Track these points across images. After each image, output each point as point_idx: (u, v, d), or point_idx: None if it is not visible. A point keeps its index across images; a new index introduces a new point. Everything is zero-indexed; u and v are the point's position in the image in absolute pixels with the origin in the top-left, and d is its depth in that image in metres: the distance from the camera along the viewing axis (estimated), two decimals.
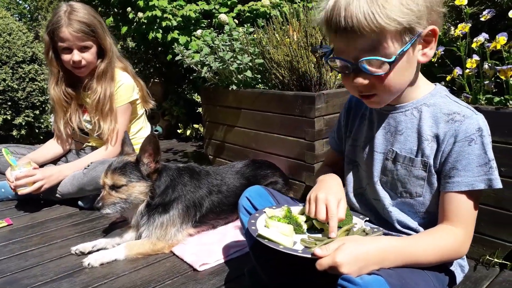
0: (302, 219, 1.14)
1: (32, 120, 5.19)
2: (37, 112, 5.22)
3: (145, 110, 2.50)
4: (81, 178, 2.06)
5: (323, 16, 0.96)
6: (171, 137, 4.08)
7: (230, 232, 1.83)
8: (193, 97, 3.55)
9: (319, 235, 1.08)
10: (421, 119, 1.02)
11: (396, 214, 1.11)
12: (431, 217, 1.06)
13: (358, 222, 1.13)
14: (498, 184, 0.95)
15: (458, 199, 0.97)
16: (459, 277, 1.12)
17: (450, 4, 1.61)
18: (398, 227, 1.10)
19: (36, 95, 5.12)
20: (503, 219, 1.40)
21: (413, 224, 1.09)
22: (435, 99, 1.03)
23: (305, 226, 1.12)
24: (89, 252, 1.68)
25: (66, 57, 2.10)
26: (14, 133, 5.08)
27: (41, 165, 2.25)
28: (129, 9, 3.26)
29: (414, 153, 1.04)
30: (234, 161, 2.64)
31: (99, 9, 3.84)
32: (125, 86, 2.22)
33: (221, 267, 1.58)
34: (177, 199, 1.71)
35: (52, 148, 2.37)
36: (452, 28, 1.60)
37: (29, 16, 12.64)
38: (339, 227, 1.07)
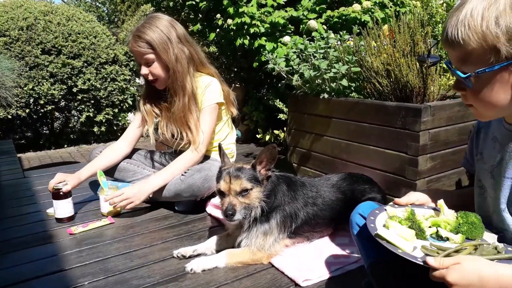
0: (426, 224, 1.07)
1: (111, 117, 5.54)
2: (116, 110, 5.56)
3: (230, 117, 2.50)
4: (179, 185, 2.12)
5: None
6: (249, 141, 4.11)
7: (327, 247, 1.78)
8: (275, 103, 3.54)
9: (443, 244, 1.00)
10: None
11: None
12: None
13: (490, 238, 1.03)
14: None
15: None
16: None
17: None
18: None
19: (116, 94, 5.46)
20: None
21: None
22: None
23: (428, 232, 1.05)
24: (190, 256, 1.72)
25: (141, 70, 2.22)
26: (95, 129, 5.44)
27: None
28: (218, 15, 3.33)
29: None
30: (320, 170, 2.59)
31: (188, 15, 3.98)
32: (212, 87, 2.24)
33: (323, 284, 1.53)
34: (277, 208, 1.70)
35: (119, 150, 2.42)
36: None
37: (107, 18, 13.50)
38: (468, 239, 1.00)
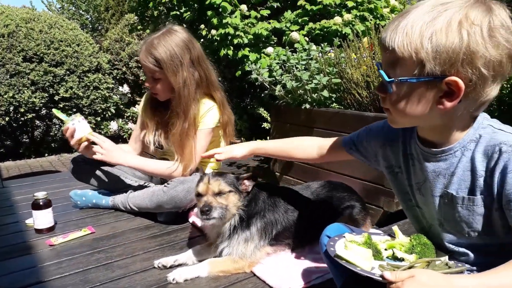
0: (382, 246, 1.13)
1: (94, 126, 5.48)
2: (99, 118, 5.51)
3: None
4: (161, 196, 2.12)
5: None
6: None
7: (309, 255, 1.80)
8: (259, 111, 3.58)
9: (399, 263, 1.05)
10: (471, 157, 0.98)
11: (465, 255, 1.07)
12: (505, 252, 0.97)
13: (442, 258, 1.07)
14: None
15: None
16: None
17: None
18: (468, 266, 1.06)
19: (99, 103, 5.41)
20: None
21: (485, 261, 1.02)
22: (479, 132, 0.98)
23: (385, 254, 1.10)
24: (171, 266, 1.72)
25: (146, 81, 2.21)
26: None
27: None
28: (202, 26, 3.36)
29: (472, 191, 0.99)
30: (302, 179, 2.62)
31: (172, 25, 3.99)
32: (212, 112, 2.20)
33: None
34: (257, 214, 1.73)
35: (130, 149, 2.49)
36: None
37: (90, 26, 13.37)
38: (421, 258, 1.05)
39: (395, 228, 1.18)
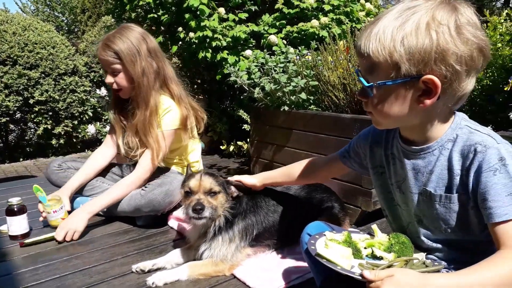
0: (361, 245, 1.15)
1: (70, 130, 5.37)
2: (76, 122, 5.41)
3: (196, 133, 2.45)
4: (139, 200, 2.10)
5: None
6: (213, 153, 4.12)
7: (288, 256, 1.82)
8: (239, 113, 3.59)
9: (379, 262, 1.07)
10: (448, 156, 1.02)
11: (442, 251, 1.10)
12: (481, 250, 1.03)
13: (419, 255, 1.11)
14: None
15: (503, 229, 0.93)
16: None
17: None
18: (445, 264, 1.09)
19: (76, 106, 5.31)
20: None
21: (462, 259, 1.06)
22: (457, 132, 1.02)
23: (364, 252, 1.13)
24: (149, 271, 1.70)
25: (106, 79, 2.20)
26: (53, 142, 5.26)
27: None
28: (180, 29, 3.35)
29: (449, 189, 1.03)
30: None
31: (149, 27, 3.97)
32: (171, 113, 2.20)
33: None
34: (238, 215, 1.74)
35: (101, 157, 2.41)
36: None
37: (66, 29, 13.12)
38: (399, 256, 1.07)
39: (374, 226, 1.20)
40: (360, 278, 0.93)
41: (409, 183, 1.11)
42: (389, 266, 1.01)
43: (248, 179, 1.73)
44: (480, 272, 0.88)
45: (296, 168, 1.65)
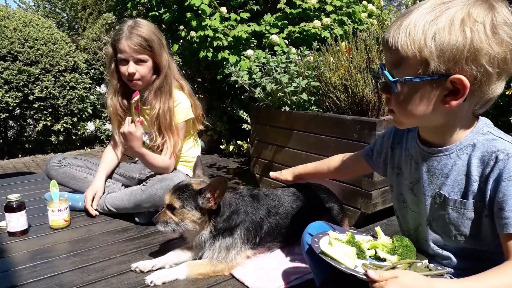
0: (365, 246, 1.14)
1: (70, 127, 5.36)
2: (75, 119, 5.40)
3: (197, 130, 2.51)
4: (139, 195, 2.10)
5: None
6: (213, 152, 4.12)
7: (288, 257, 1.81)
8: (239, 113, 3.58)
9: (382, 263, 1.07)
10: (467, 161, 0.99)
11: (448, 258, 1.09)
12: (489, 259, 1.00)
13: (422, 259, 1.11)
14: None
15: None
16: None
17: None
18: (449, 269, 1.08)
19: (76, 103, 5.31)
20: None
21: (467, 267, 1.04)
22: (478, 138, 0.99)
23: (368, 253, 1.12)
24: (149, 271, 1.69)
25: (123, 68, 2.17)
26: (53, 138, 5.25)
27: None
28: (181, 27, 3.34)
29: (465, 195, 1.00)
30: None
31: None
32: (182, 105, 2.26)
33: None
34: (241, 223, 1.72)
35: (112, 155, 2.46)
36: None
37: (67, 25, 13.09)
38: (402, 259, 1.07)
39: (377, 229, 1.19)
40: (365, 277, 0.92)
41: (422, 185, 1.09)
42: (393, 268, 1.00)
43: (284, 175, 1.80)
44: (486, 280, 0.86)
45: (330, 162, 1.64)
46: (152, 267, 1.71)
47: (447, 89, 0.90)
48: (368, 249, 1.14)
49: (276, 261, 1.77)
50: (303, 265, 1.75)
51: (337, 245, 1.08)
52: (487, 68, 0.87)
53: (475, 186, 0.97)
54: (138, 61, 2.15)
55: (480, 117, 1.03)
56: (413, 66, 0.90)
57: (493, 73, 0.88)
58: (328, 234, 1.18)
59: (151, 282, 1.59)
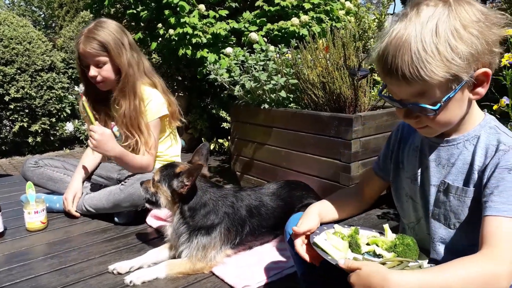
0: (363, 241, 1.16)
1: (48, 127, 5.25)
2: (53, 119, 5.29)
3: (175, 127, 2.50)
4: (118, 195, 2.08)
5: (375, 56, 1.00)
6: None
7: (268, 253, 1.83)
8: (218, 112, 3.58)
9: (376, 259, 1.08)
10: (473, 151, 1.03)
11: (447, 248, 1.10)
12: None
13: (424, 262, 1.10)
14: None
15: (493, 224, 0.93)
16: None
17: None
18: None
19: (53, 103, 5.20)
20: None
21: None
22: (485, 130, 1.04)
23: (365, 249, 1.13)
24: (127, 273, 1.68)
25: (87, 72, 2.17)
26: (30, 140, 5.14)
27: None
28: (159, 25, 3.31)
29: (467, 183, 1.04)
30: (262, 178, 2.65)
31: (129, 23, 3.92)
32: (154, 102, 2.23)
33: None
34: (220, 224, 1.73)
35: (91, 157, 2.42)
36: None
37: (43, 24, 12.82)
38: (401, 257, 1.08)
39: (386, 226, 1.20)
40: (337, 265, 0.95)
41: (429, 175, 1.11)
42: (382, 264, 1.00)
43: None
44: (450, 272, 0.88)
45: (347, 203, 1.36)
46: (130, 268, 1.69)
47: (472, 84, 0.95)
48: (368, 244, 1.15)
49: (256, 258, 1.79)
50: (283, 259, 1.77)
51: (331, 239, 1.11)
52: (496, 51, 0.94)
53: (476, 174, 1.02)
54: (98, 64, 2.15)
55: (486, 113, 1.08)
56: (445, 86, 0.92)
57: (497, 52, 0.95)
58: (333, 228, 1.21)
59: (130, 282, 1.59)
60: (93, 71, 2.14)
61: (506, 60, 1.53)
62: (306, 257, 1.14)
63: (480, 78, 0.94)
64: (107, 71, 2.16)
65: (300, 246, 1.16)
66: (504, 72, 1.56)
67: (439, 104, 0.94)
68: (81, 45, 2.11)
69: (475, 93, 0.97)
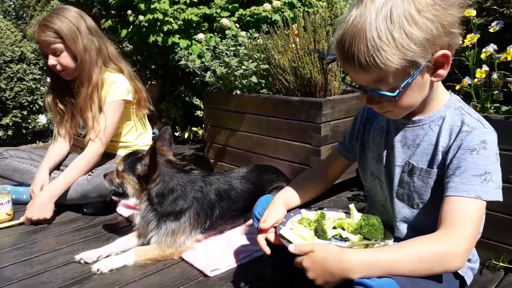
0: (329, 226, 1.17)
1: (19, 120, 5.11)
2: (25, 112, 5.14)
3: (145, 115, 2.45)
4: (85, 185, 2.04)
5: (334, 43, 1.00)
6: None
7: (238, 237, 1.83)
8: (192, 100, 3.53)
9: (343, 244, 1.09)
10: (438, 132, 1.05)
11: (410, 227, 1.12)
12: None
13: (390, 241, 1.11)
14: (491, 197, 0.94)
15: (453, 204, 0.95)
16: (469, 279, 1.13)
17: None
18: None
19: (24, 95, 5.05)
20: (509, 225, 1.42)
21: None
22: (449, 111, 1.05)
23: (332, 233, 1.14)
24: (94, 262, 1.65)
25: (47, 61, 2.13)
26: (1, 133, 5.00)
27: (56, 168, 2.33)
28: (129, 12, 3.24)
29: (431, 164, 1.06)
30: (236, 165, 2.64)
31: (99, 11, 3.81)
32: (117, 84, 2.18)
33: (231, 272, 1.57)
34: (189, 208, 1.71)
35: (58, 148, 2.35)
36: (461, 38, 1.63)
37: (14, 14, 12.37)
38: (366, 238, 1.10)
39: (351, 206, 1.21)
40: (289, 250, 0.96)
41: (394, 155, 1.12)
42: (350, 248, 1.02)
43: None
44: (401, 250, 0.90)
45: (311, 185, 1.38)
46: (98, 257, 1.66)
47: (432, 67, 0.94)
48: (334, 227, 1.16)
49: (225, 241, 1.79)
50: (253, 243, 1.77)
51: (296, 228, 1.12)
52: (455, 31, 0.93)
53: (439, 155, 1.03)
54: (55, 52, 2.11)
55: (452, 94, 1.08)
56: (402, 72, 0.92)
57: (457, 32, 0.94)
58: (300, 213, 1.21)
59: (97, 270, 1.56)
60: (51, 60, 2.10)
61: (468, 41, 1.55)
62: (268, 250, 1.16)
63: (440, 60, 0.93)
64: (65, 58, 2.12)
65: (263, 240, 1.17)
66: (466, 53, 1.58)
67: (397, 91, 0.94)
68: (36, 34, 2.09)
69: (436, 75, 0.97)
